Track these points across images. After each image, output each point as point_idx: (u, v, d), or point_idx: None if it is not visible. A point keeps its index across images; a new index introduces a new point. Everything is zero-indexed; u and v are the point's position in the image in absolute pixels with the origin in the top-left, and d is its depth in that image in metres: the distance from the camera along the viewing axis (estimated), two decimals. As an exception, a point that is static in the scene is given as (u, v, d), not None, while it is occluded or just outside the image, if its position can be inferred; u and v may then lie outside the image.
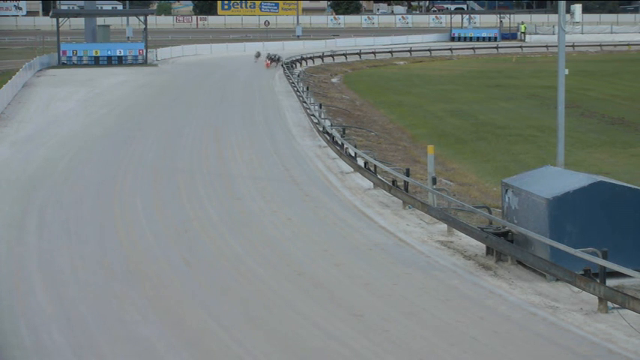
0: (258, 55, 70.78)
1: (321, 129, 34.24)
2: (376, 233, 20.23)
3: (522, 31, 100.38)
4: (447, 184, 25.68)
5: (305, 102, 41.86)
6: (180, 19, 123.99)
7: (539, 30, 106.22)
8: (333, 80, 61.76)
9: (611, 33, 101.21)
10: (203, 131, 35.46)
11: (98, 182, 25.75)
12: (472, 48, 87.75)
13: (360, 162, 27.08)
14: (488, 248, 18.11)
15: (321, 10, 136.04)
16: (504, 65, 72.72)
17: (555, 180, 17.61)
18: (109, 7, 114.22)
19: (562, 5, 22.76)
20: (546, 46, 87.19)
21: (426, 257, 18.33)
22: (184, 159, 29.49)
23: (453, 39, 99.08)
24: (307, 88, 45.24)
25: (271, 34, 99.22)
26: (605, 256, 15.13)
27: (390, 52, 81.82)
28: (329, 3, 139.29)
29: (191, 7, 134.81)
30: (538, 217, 16.95)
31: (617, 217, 16.62)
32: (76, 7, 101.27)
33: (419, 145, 33.63)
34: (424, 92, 53.65)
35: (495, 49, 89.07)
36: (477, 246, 18.67)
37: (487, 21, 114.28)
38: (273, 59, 66.38)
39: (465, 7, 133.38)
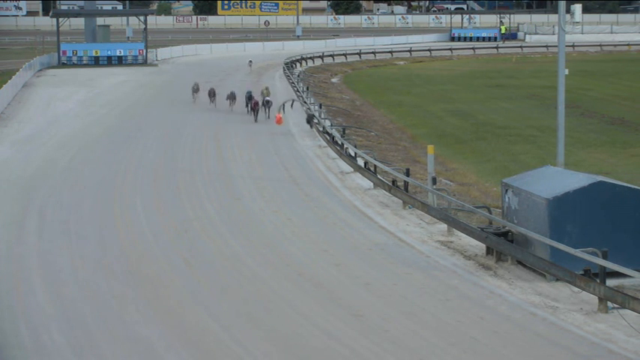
0: (196, 89, 44.65)
1: (321, 129, 34.24)
2: (376, 233, 20.24)
3: (503, 32, 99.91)
4: (447, 184, 25.68)
5: (305, 102, 41.85)
6: (180, 19, 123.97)
7: (539, 30, 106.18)
8: (333, 80, 61.76)
9: (611, 33, 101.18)
10: (203, 131, 35.43)
11: (98, 182, 25.75)
12: (472, 48, 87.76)
13: (360, 162, 27.08)
14: (488, 248, 18.11)
15: (321, 10, 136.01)
16: (504, 65, 72.72)
17: (555, 180, 17.61)
18: (109, 7, 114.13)
19: (562, 5, 22.77)
20: (546, 46, 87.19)
21: (426, 257, 18.34)
22: (184, 159, 29.49)
23: (453, 39, 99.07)
24: (307, 88, 45.23)
25: (271, 34, 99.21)
26: (605, 256, 15.14)
27: (390, 52, 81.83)
28: (329, 3, 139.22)
29: (191, 7, 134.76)
30: (538, 217, 16.95)
31: (617, 217, 16.63)
32: (76, 7, 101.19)
33: (419, 145, 33.64)
34: (424, 92, 53.65)
35: (495, 49, 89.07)
36: (477, 246, 18.68)
37: (487, 21, 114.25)
38: (264, 103, 38.43)
39: (465, 7, 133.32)
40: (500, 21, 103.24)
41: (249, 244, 19.27)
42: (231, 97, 40.99)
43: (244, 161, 28.88)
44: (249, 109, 38.88)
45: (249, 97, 39.34)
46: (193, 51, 78.20)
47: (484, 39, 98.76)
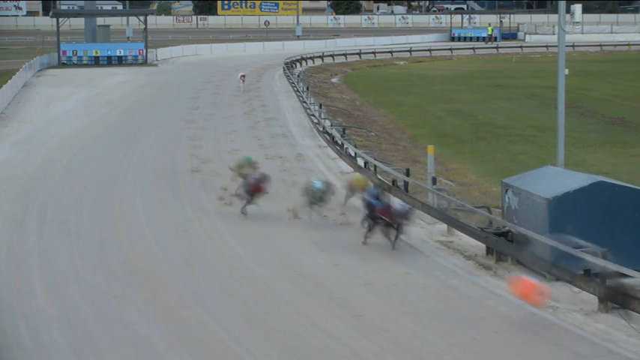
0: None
1: (321, 129, 34.23)
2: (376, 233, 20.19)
3: (490, 32, 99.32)
4: (447, 184, 25.68)
5: (305, 102, 41.85)
6: (180, 19, 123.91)
7: (539, 30, 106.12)
8: (333, 80, 61.73)
9: (611, 33, 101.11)
10: (203, 132, 35.39)
11: (98, 182, 25.75)
12: (472, 48, 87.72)
13: (360, 162, 27.07)
14: (488, 248, 18.11)
15: (321, 10, 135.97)
16: (504, 65, 72.69)
17: (555, 180, 17.62)
18: (109, 7, 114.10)
19: (562, 5, 22.77)
20: (546, 46, 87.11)
21: (426, 257, 18.35)
22: (184, 159, 29.45)
23: (453, 39, 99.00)
24: (307, 88, 45.22)
25: (271, 34, 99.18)
26: (605, 256, 15.14)
27: (390, 52, 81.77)
28: (329, 3, 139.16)
29: (191, 7, 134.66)
30: (538, 217, 16.95)
31: (617, 217, 16.63)
32: (76, 7, 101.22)
33: (419, 145, 33.63)
34: (424, 92, 53.63)
35: (495, 49, 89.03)
36: (477, 246, 18.68)
37: (487, 21, 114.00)
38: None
39: (465, 7, 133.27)
40: (500, 21, 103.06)
41: (249, 244, 19.27)
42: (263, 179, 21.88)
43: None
44: (367, 225, 19.05)
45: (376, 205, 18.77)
46: (193, 51, 78.16)
47: (484, 39, 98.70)
